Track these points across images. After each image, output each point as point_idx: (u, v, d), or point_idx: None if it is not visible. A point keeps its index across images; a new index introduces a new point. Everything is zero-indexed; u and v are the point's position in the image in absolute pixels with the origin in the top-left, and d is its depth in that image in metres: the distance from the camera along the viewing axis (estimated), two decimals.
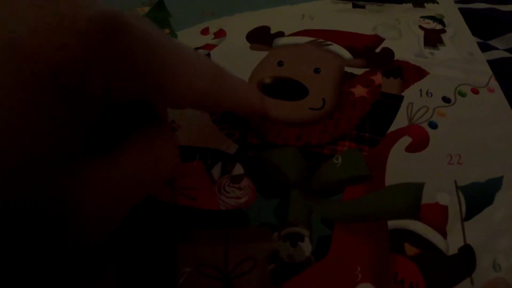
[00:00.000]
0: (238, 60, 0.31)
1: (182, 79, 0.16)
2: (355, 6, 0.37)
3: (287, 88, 0.29)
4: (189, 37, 0.33)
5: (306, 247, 0.22)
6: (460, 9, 0.38)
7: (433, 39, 0.34)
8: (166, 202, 0.23)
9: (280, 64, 0.31)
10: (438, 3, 0.38)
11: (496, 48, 0.35)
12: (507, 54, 0.35)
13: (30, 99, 0.12)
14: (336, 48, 0.32)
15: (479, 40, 0.36)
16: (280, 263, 0.21)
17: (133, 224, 0.23)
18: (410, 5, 0.38)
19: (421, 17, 0.36)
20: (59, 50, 0.13)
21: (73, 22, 0.13)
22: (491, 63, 0.33)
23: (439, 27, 0.36)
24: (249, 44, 0.33)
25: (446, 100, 0.29)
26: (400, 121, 0.27)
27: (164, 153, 0.17)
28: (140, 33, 0.14)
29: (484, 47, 0.35)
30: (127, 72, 0.14)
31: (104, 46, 0.13)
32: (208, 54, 0.32)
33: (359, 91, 0.29)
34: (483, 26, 0.37)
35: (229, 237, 0.22)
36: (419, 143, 0.26)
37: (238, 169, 0.25)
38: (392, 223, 0.23)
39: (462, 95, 0.29)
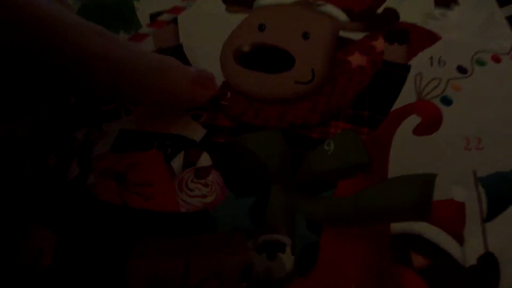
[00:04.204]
0: (211, 25, 0.28)
1: None
2: None
3: (268, 57, 0.26)
4: None
5: (288, 259, 0.19)
6: None
7: None
8: (112, 203, 0.21)
9: (261, 28, 0.27)
10: None
11: None
12: None
13: None
14: (329, 9, 0.29)
15: None
16: (254, 281, 0.19)
17: (72, 233, 0.20)
18: None
19: None
20: None
21: None
22: None
23: None
24: (224, 6, 0.29)
25: (462, 70, 0.26)
26: (406, 96, 0.25)
27: None
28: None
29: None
30: None
31: None
32: (175, 19, 0.28)
33: (357, 59, 0.26)
34: None
35: (190, 248, 0.20)
36: (430, 124, 0.24)
37: (205, 160, 0.22)
38: (395, 226, 0.21)
39: (481, 64, 0.26)
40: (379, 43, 0.27)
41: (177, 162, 0.22)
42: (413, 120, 0.24)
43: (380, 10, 0.29)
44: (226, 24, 0.28)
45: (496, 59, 0.27)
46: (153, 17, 0.28)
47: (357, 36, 0.27)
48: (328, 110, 0.24)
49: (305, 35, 0.27)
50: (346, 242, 0.20)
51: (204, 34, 0.27)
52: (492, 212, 0.21)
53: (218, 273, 0.19)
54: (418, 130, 0.23)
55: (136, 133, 0.23)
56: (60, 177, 0.21)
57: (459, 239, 0.20)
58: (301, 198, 0.21)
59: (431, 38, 0.28)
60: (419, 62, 0.26)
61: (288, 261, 0.19)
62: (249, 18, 0.28)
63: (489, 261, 0.20)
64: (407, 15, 0.29)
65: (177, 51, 0.26)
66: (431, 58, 0.26)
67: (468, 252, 0.20)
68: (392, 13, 0.29)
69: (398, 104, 0.24)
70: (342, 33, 0.28)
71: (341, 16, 0.29)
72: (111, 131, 0.23)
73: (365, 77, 0.26)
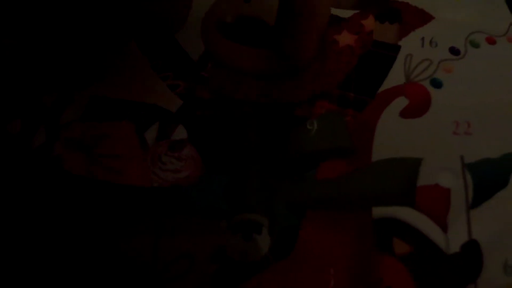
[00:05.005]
0: None
1: None
2: None
3: (253, 30, 0.25)
4: None
5: (264, 241, 0.19)
6: None
7: None
8: (79, 175, 0.20)
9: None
10: None
11: None
12: None
13: None
14: None
15: None
16: (227, 263, 0.18)
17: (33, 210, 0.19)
18: None
19: None
20: None
21: None
22: None
23: None
24: None
25: (454, 51, 0.26)
26: (395, 77, 0.24)
27: None
28: None
29: None
30: None
31: None
32: None
33: (345, 38, 0.26)
34: None
35: (160, 226, 0.19)
36: (418, 106, 0.24)
37: (180, 133, 0.21)
38: (378, 211, 0.20)
39: (475, 45, 0.26)
40: (369, 22, 0.26)
41: (151, 133, 0.21)
42: (401, 102, 0.23)
43: None
44: None
45: (491, 41, 0.26)
46: None
47: (346, 13, 0.27)
48: (313, 89, 0.23)
49: None
50: (327, 227, 0.20)
51: None
52: (478, 199, 0.21)
53: (188, 254, 0.18)
54: (406, 113, 0.23)
55: (108, 100, 0.22)
56: (24, 145, 0.20)
57: (443, 226, 0.20)
58: (281, 178, 0.21)
59: (424, 17, 0.27)
60: (410, 43, 0.26)
61: (264, 243, 0.19)
62: None
63: (472, 249, 0.20)
64: None
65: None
66: (423, 38, 0.26)
67: (452, 239, 0.20)
68: None
69: (385, 85, 0.24)
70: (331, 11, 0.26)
71: None
72: (82, 97, 0.22)
73: (353, 58, 0.25)
